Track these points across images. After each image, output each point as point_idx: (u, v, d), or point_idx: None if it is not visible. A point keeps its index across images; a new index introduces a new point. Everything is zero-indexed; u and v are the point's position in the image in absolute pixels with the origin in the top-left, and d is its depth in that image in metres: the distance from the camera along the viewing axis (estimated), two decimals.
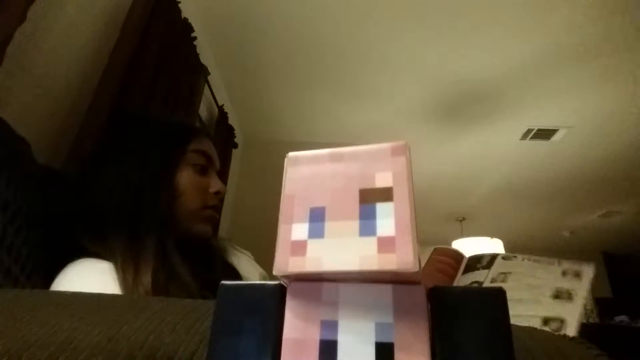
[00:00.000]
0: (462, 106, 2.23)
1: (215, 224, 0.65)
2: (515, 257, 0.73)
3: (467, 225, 4.02)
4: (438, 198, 3.53)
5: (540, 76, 1.94)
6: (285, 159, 0.13)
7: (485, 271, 0.68)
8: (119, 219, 0.55)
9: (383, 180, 0.11)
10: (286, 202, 0.11)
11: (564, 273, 0.69)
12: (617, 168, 2.80)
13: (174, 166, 0.62)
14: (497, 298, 0.09)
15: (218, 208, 0.66)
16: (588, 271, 0.69)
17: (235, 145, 2.15)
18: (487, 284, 0.63)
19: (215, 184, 0.66)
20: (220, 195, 0.66)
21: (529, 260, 0.72)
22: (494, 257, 0.71)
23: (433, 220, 4.06)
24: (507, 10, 1.57)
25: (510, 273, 0.69)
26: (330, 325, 0.09)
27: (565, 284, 0.65)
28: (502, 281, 0.65)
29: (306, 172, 0.12)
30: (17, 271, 0.51)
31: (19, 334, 0.20)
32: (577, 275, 0.67)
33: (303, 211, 0.11)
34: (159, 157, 0.61)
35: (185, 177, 0.62)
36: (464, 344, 0.09)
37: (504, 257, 0.73)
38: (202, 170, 0.65)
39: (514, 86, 2.03)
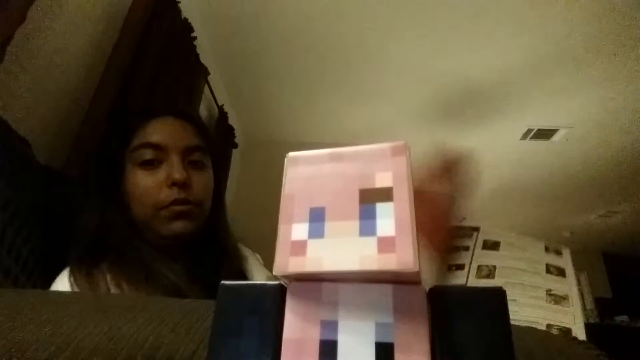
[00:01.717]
0: (462, 106, 2.23)
1: (188, 217, 0.57)
2: (497, 245, 0.73)
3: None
4: None
5: (540, 76, 1.94)
6: (285, 159, 0.13)
7: (468, 258, 0.68)
8: (78, 228, 0.54)
9: (383, 180, 0.11)
10: (286, 202, 0.11)
11: (548, 269, 0.69)
12: (617, 168, 2.80)
13: (117, 171, 0.58)
14: (497, 297, 0.09)
15: (183, 201, 0.56)
16: (566, 254, 0.70)
17: (235, 145, 2.15)
18: (472, 280, 0.63)
19: (170, 175, 0.56)
20: (180, 185, 0.56)
21: (510, 251, 0.72)
22: (474, 235, 0.70)
23: None
24: (507, 11, 1.57)
25: (495, 267, 0.69)
26: (330, 325, 0.09)
27: (554, 284, 0.65)
28: (488, 277, 0.65)
29: (306, 172, 0.12)
30: (17, 271, 0.51)
31: (19, 334, 0.20)
32: (562, 272, 0.68)
33: (303, 211, 0.11)
34: (102, 165, 0.59)
35: (131, 181, 0.57)
36: (464, 344, 0.09)
37: (485, 245, 0.72)
38: (153, 164, 0.57)
39: (514, 86, 2.03)
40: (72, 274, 0.48)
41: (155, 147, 0.57)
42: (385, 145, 0.12)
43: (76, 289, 0.46)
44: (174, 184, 0.56)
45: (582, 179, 3.02)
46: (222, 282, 0.12)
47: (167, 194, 0.56)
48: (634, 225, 3.91)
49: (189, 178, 0.57)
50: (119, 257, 0.51)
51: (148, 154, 0.57)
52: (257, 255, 0.74)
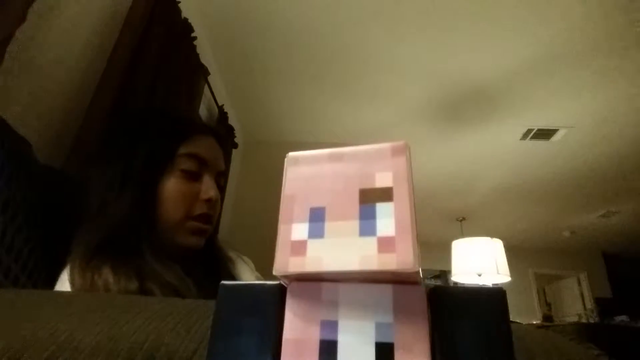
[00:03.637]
0: (462, 106, 2.23)
1: (205, 235, 0.60)
2: None
3: (467, 225, 4.02)
4: (438, 198, 3.53)
5: (540, 76, 1.94)
6: (285, 159, 0.13)
7: None
8: (93, 221, 0.53)
9: (383, 180, 0.11)
10: (286, 202, 0.11)
11: None
12: (617, 168, 2.80)
13: (158, 172, 0.58)
14: (497, 298, 0.09)
15: (208, 216, 0.59)
16: None
17: (235, 145, 2.15)
18: None
19: (207, 191, 0.59)
20: (212, 203, 0.60)
21: None
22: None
23: (433, 220, 4.06)
24: (508, 11, 1.57)
25: None
26: (330, 325, 0.09)
27: None
28: None
29: (306, 172, 0.12)
30: (17, 270, 0.51)
31: (19, 333, 0.20)
32: None
33: (303, 211, 0.11)
34: (142, 161, 0.57)
35: (170, 184, 0.57)
36: (464, 344, 0.09)
37: None
38: (193, 176, 0.59)
39: (514, 86, 2.03)
40: (71, 273, 0.48)
41: (202, 161, 0.60)
42: (386, 145, 0.12)
43: (75, 287, 0.46)
44: (208, 200, 0.59)
45: (582, 178, 3.02)
46: (222, 282, 0.12)
47: (200, 207, 0.58)
48: (634, 225, 3.91)
49: (217, 199, 0.61)
50: (126, 257, 0.51)
51: (194, 166, 0.59)
52: (245, 258, 0.74)
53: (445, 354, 0.08)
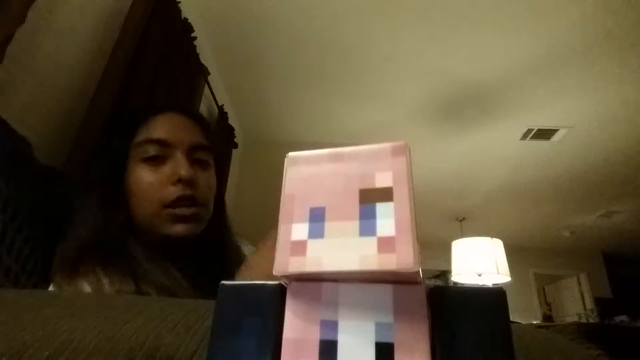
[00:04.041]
0: (462, 106, 2.23)
1: (195, 220, 0.55)
2: None
3: (467, 225, 4.02)
4: (438, 198, 3.53)
5: (540, 76, 1.94)
6: (285, 159, 0.13)
7: None
8: (69, 233, 0.52)
9: (383, 180, 0.11)
10: (286, 202, 0.11)
11: None
12: (617, 168, 2.80)
13: (119, 169, 0.55)
14: (497, 298, 0.09)
15: (188, 198, 0.54)
16: None
17: (235, 145, 2.15)
18: None
19: (175, 171, 0.54)
20: (187, 182, 0.54)
21: None
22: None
23: (433, 220, 4.06)
24: (508, 11, 1.57)
25: None
26: (330, 325, 0.09)
27: None
28: None
29: (306, 172, 0.12)
30: (17, 270, 0.51)
31: (19, 334, 0.20)
32: None
33: (303, 211, 0.11)
34: (102, 163, 0.56)
35: (135, 177, 0.54)
36: (464, 344, 0.09)
37: None
38: (157, 160, 0.55)
39: (514, 86, 2.03)
40: (59, 286, 0.46)
41: (161, 142, 0.55)
42: (386, 145, 0.12)
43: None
44: (179, 180, 0.54)
45: (582, 178, 3.02)
46: (222, 282, 0.12)
47: (172, 191, 0.53)
48: (634, 225, 3.91)
49: (195, 176, 0.55)
50: (114, 260, 0.49)
51: (153, 150, 0.55)
52: None
53: (445, 354, 0.08)
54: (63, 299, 0.26)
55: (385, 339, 0.08)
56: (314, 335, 0.09)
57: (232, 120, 2.13)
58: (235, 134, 2.14)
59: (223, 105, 1.97)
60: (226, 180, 1.94)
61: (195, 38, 1.43)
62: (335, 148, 0.12)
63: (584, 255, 4.86)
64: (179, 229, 0.54)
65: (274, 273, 0.11)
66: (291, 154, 0.13)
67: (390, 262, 0.09)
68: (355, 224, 0.10)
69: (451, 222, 4.08)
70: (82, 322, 0.21)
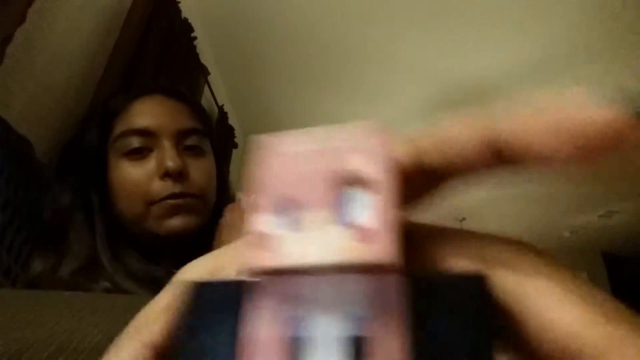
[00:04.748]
0: (462, 106, 2.22)
1: (192, 211, 0.49)
2: None
3: (467, 225, 4.01)
4: (438, 198, 3.52)
5: (540, 76, 1.94)
6: (251, 143, 0.11)
7: None
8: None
9: (360, 164, 0.10)
10: (254, 191, 0.10)
11: None
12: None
13: (100, 169, 0.49)
14: (477, 285, 0.09)
15: (179, 195, 0.47)
16: None
17: (235, 145, 2.15)
18: None
19: (161, 164, 0.47)
20: (177, 175, 0.47)
21: None
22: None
23: (433, 220, 4.05)
24: (508, 11, 1.57)
25: None
26: (302, 321, 0.08)
27: None
28: None
29: (275, 157, 0.10)
30: (17, 270, 0.51)
31: (19, 334, 0.20)
32: None
33: (273, 200, 0.10)
34: (84, 161, 0.51)
35: (115, 175, 0.48)
36: (443, 335, 0.08)
37: None
38: (143, 153, 0.48)
39: (514, 86, 2.03)
40: None
41: (143, 132, 0.48)
42: (361, 126, 0.10)
43: None
44: (167, 174, 0.47)
45: (582, 179, 3.01)
46: (183, 279, 0.10)
47: (160, 187, 0.47)
48: (634, 225, 3.91)
49: (185, 167, 0.48)
50: (104, 268, 0.46)
51: (134, 142, 0.48)
52: None
53: (424, 347, 0.08)
54: (63, 299, 0.26)
55: (360, 332, 0.08)
56: (285, 332, 0.08)
57: (232, 120, 2.13)
58: (235, 134, 2.13)
59: (223, 105, 1.97)
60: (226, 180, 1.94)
61: (195, 38, 1.43)
62: (307, 129, 0.11)
63: (584, 256, 4.85)
64: (174, 223, 0.48)
65: (242, 268, 0.10)
66: (258, 137, 0.11)
67: (368, 253, 0.08)
68: (330, 214, 0.09)
69: (451, 222, 4.08)
70: (82, 322, 0.21)
